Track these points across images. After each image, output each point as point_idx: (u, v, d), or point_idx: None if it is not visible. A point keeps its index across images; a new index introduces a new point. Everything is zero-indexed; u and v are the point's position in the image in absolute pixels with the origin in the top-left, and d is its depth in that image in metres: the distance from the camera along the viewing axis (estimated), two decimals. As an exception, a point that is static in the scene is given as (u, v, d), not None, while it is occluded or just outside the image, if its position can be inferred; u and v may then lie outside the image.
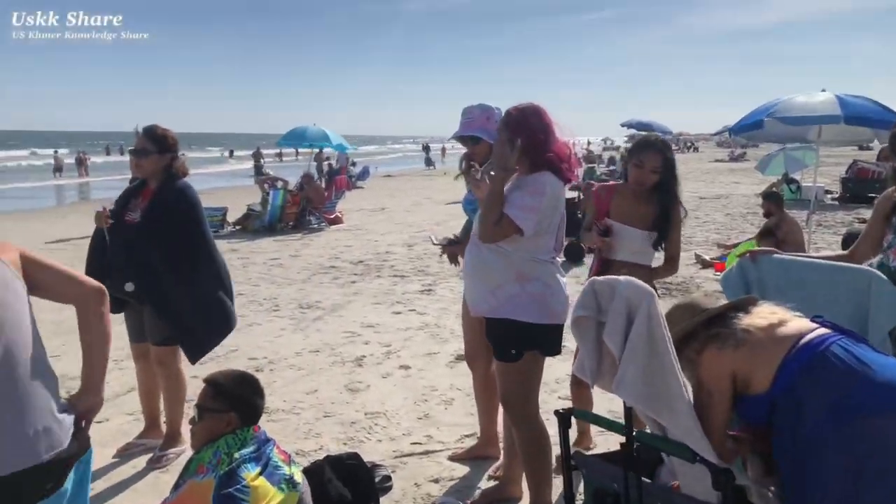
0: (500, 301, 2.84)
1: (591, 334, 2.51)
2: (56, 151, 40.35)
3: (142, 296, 3.64)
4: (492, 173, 2.83)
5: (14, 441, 1.89)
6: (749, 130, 8.14)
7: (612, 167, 25.77)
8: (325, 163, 21.67)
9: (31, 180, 31.73)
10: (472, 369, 3.71)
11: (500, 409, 3.22)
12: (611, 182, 3.49)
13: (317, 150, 20.85)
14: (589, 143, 56.02)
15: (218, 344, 3.96)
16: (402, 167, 43.71)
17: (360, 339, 5.92)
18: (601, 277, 2.50)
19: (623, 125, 25.84)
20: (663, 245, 3.42)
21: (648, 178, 3.32)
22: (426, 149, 48.11)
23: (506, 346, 2.88)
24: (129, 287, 3.60)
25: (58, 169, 34.36)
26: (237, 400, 2.55)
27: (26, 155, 56.42)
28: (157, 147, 3.70)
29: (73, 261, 10.97)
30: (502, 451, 3.43)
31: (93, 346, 2.15)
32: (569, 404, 3.81)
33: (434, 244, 3.20)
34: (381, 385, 4.86)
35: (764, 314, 2.33)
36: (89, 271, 3.72)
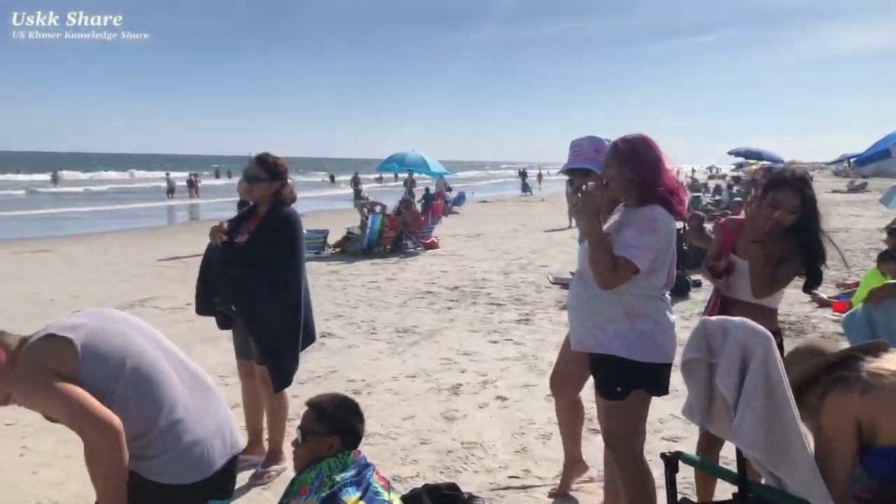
0: (608, 337, 2.76)
1: (701, 376, 2.42)
2: (168, 174, 42.91)
3: (243, 314, 3.78)
4: (582, 218, 2.77)
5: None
6: (875, 161, 7.69)
7: (717, 196, 24.89)
8: (417, 188, 22.07)
9: (143, 201, 33.91)
10: (555, 394, 3.65)
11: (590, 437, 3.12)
12: (740, 215, 3.25)
13: (408, 176, 21.27)
14: (693, 171, 54.46)
15: (295, 370, 3.97)
16: (499, 193, 43.78)
17: (456, 367, 5.92)
18: (713, 318, 2.40)
19: (731, 153, 24.97)
20: (807, 286, 3.15)
21: (785, 218, 2.99)
22: (522, 175, 48.02)
23: (611, 384, 2.79)
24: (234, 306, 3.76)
25: (170, 190, 36.49)
26: (340, 424, 2.59)
27: (127, 177, 60.41)
28: (268, 174, 3.86)
29: (183, 277, 11.54)
30: (597, 476, 3.34)
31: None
32: (673, 446, 3.66)
33: (551, 283, 3.17)
34: (477, 415, 4.82)
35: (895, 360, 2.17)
36: (200, 287, 3.93)
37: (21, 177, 55.00)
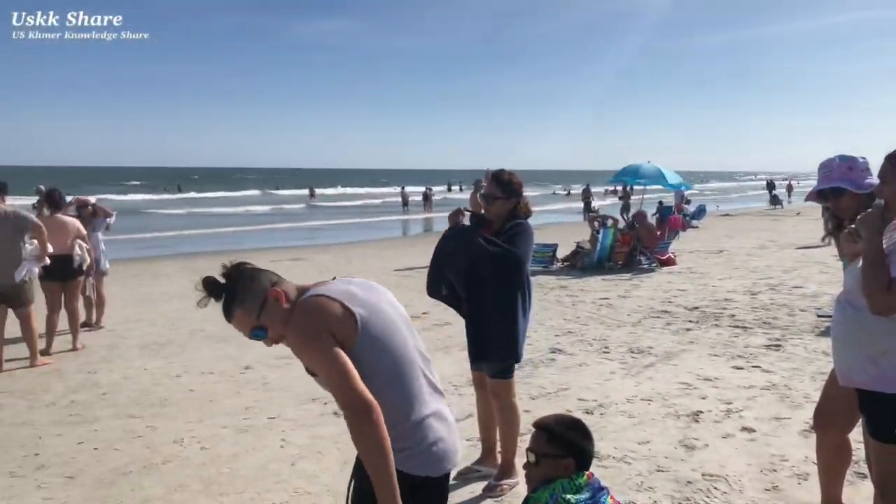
0: (882, 371, 2.39)
1: None
2: (403, 187, 45.86)
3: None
4: (861, 237, 2.44)
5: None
6: None
7: None
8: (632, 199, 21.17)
9: (383, 214, 36.68)
10: (818, 432, 3.24)
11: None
12: None
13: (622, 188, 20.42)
14: None
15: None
16: (743, 206, 40.85)
17: (696, 393, 5.53)
18: None
19: None
20: None
21: None
22: (770, 186, 44.33)
23: (886, 425, 2.41)
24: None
25: (405, 203, 38.91)
26: (572, 445, 2.52)
27: (374, 192, 65.18)
28: (503, 192, 3.92)
29: (419, 286, 12.11)
30: None
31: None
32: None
33: (819, 317, 2.86)
34: (720, 445, 4.45)
35: None
36: (432, 271, 4.03)
37: (283, 192, 62.53)
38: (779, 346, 6.95)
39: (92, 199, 9.11)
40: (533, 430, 2.51)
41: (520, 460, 3.15)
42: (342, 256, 16.51)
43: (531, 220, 4.02)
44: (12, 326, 6.87)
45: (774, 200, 37.70)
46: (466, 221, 3.99)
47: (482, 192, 4.06)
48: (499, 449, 4.09)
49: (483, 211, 4.06)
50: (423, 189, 43.22)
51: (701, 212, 26.15)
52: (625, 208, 27.93)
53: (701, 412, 5.05)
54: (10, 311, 6.68)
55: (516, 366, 4.02)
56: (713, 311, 8.91)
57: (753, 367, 6.24)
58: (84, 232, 7.72)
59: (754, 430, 4.67)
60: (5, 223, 6.52)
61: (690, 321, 8.33)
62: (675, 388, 5.67)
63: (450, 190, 61.71)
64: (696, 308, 9.13)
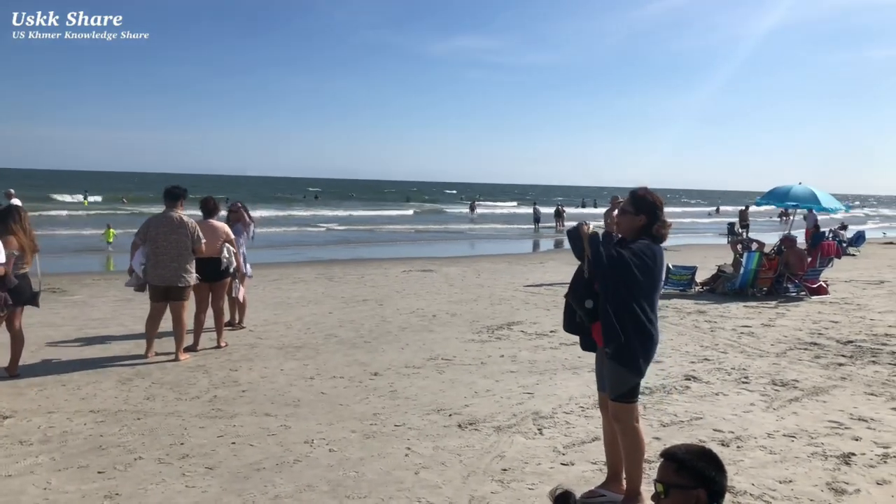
0: None
1: None
2: (535, 203, 45.49)
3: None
4: None
5: None
6: None
7: None
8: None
9: (515, 229, 36.71)
10: None
11: None
12: None
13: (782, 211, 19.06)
14: None
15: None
16: (907, 234, 37.35)
17: (848, 433, 5.06)
18: None
19: None
20: None
21: None
22: None
23: None
24: (589, 304, 3.72)
25: (536, 220, 38.63)
26: (702, 476, 2.36)
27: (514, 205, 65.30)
28: (633, 207, 3.83)
29: (547, 304, 11.91)
30: None
31: None
32: None
33: None
34: (874, 492, 4.04)
35: None
36: (568, 304, 3.97)
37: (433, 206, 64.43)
38: (949, 388, 6.25)
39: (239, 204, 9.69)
40: (660, 459, 2.37)
41: (648, 490, 3.00)
42: (471, 270, 16.62)
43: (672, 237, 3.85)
44: (164, 322, 7.51)
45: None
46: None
47: (622, 205, 3.96)
48: (624, 475, 3.93)
49: (615, 229, 3.96)
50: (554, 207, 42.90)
51: (859, 238, 24.14)
52: (744, 227, 27.04)
53: (853, 454, 4.62)
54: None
55: (646, 390, 3.85)
56: (870, 346, 8.16)
57: (917, 409, 5.64)
58: (233, 237, 8.26)
59: (917, 479, 4.21)
60: (180, 229, 7.28)
61: (843, 356, 7.66)
62: (823, 426, 5.22)
63: (583, 206, 60.86)
64: (851, 342, 8.40)
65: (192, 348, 7.76)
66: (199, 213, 8.26)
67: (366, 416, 5.50)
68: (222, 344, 8.04)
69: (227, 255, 8.06)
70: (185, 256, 7.37)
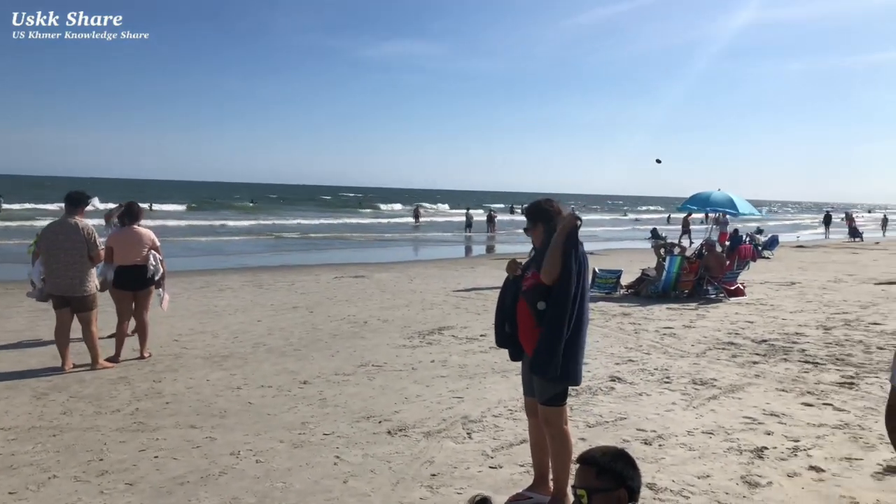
0: None
1: None
2: (468, 208, 45.85)
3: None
4: None
5: None
6: None
7: None
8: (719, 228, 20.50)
9: (445, 233, 36.94)
10: None
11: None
12: None
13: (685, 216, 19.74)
14: None
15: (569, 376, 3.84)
16: (814, 237, 39.38)
17: (761, 428, 5.30)
18: None
19: None
20: None
21: None
22: (827, 219, 42.84)
23: None
24: (541, 305, 3.75)
25: (468, 225, 38.92)
26: (622, 477, 2.43)
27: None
28: (531, 221, 3.99)
29: (478, 308, 12.03)
30: None
31: None
32: None
33: None
34: (785, 484, 4.24)
35: None
36: (498, 315, 4.07)
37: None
38: (853, 383, 6.63)
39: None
40: (578, 465, 2.42)
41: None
42: (404, 275, 16.62)
43: (590, 245, 3.97)
44: (75, 333, 7.26)
45: (855, 233, 36.23)
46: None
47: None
48: (551, 476, 4.01)
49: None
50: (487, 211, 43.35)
51: (773, 242, 25.30)
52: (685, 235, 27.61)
53: (766, 448, 4.84)
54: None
55: (573, 392, 3.94)
56: (782, 345, 8.57)
57: (825, 404, 5.95)
58: (158, 243, 7.99)
59: (823, 470, 4.44)
60: (75, 236, 7.00)
61: (758, 354, 8.02)
62: (738, 422, 5.46)
63: (512, 212, 61.66)
64: (765, 341, 8.80)
65: (113, 359, 7.49)
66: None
67: (294, 425, 5.43)
68: (146, 354, 7.79)
69: (153, 263, 7.80)
70: (82, 264, 7.06)
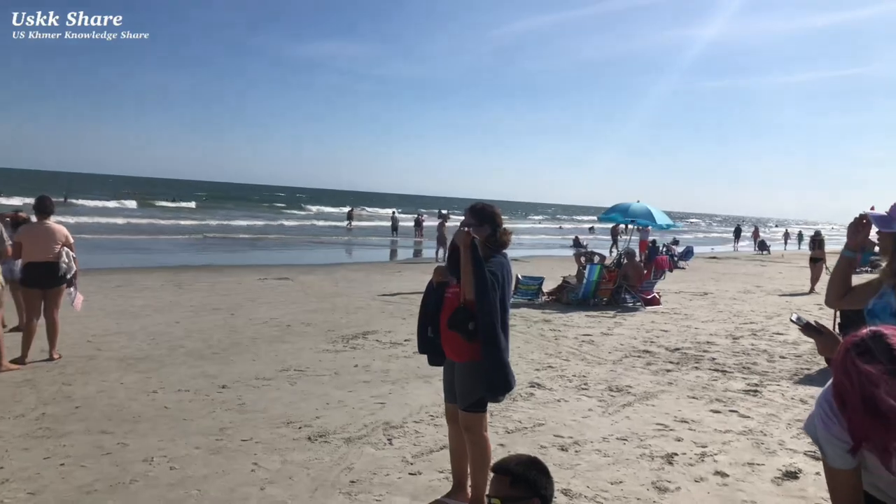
0: None
1: None
2: (394, 212, 45.78)
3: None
4: None
5: None
6: None
7: None
8: (647, 240, 21.22)
9: (373, 237, 36.76)
10: None
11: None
12: None
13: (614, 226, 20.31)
14: None
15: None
16: (728, 249, 41.14)
17: (671, 434, 5.52)
18: None
19: None
20: None
21: None
22: (737, 233, 45.07)
23: None
24: (471, 326, 3.80)
25: (394, 228, 38.86)
26: (535, 485, 2.48)
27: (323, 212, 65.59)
28: (476, 220, 3.97)
29: (403, 312, 12.03)
30: None
31: None
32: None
33: (794, 322, 2.74)
34: (692, 489, 4.44)
35: None
36: (420, 319, 4.08)
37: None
38: (757, 391, 6.98)
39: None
40: (492, 474, 2.46)
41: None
42: (329, 279, 16.46)
43: (513, 251, 4.04)
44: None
45: (763, 246, 38.09)
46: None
47: (462, 220, 4.09)
48: (469, 483, 4.06)
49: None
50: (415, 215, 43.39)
51: (688, 253, 26.32)
52: (614, 246, 28.16)
53: (675, 454, 5.05)
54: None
55: None
56: (694, 353, 8.94)
57: (731, 411, 6.25)
58: (72, 240, 7.66)
59: (727, 475, 4.66)
60: None
61: (671, 362, 8.34)
62: (651, 428, 5.66)
63: (440, 217, 62.04)
64: (678, 349, 9.16)
65: (19, 360, 7.14)
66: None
67: (211, 430, 5.31)
68: (55, 356, 7.45)
69: (66, 261, 7.46)
70: None
